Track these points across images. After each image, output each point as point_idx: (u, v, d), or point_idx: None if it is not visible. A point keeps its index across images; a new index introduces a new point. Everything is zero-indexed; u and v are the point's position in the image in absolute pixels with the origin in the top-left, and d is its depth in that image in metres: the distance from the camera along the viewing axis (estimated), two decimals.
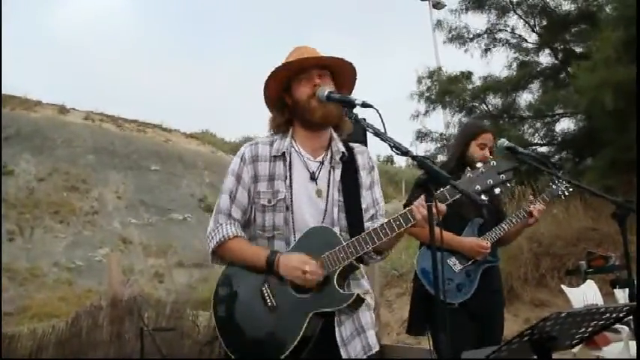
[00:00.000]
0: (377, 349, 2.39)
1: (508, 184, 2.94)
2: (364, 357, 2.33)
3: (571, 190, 3.67)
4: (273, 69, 2.40)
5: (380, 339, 7.17)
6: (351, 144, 2.54)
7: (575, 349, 5.11)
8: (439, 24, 12.75)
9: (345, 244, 2.26)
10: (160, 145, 20.97)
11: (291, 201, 2.35)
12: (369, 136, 2.32)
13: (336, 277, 2.26)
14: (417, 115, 12.24)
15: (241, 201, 2.40)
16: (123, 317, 5.61)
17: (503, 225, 3.53)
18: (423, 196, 2.19)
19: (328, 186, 2.39)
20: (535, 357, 1.97)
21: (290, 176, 2.38)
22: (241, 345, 2.30)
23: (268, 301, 2.28)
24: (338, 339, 2.29)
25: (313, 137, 2.45)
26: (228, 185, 2.44)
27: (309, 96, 2.36)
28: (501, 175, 2.19)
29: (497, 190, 2.19)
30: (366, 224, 2.43)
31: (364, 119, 2.28)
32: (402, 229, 2.24)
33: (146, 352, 4.88)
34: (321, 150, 2.45)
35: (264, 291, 2.30)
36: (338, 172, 2.42)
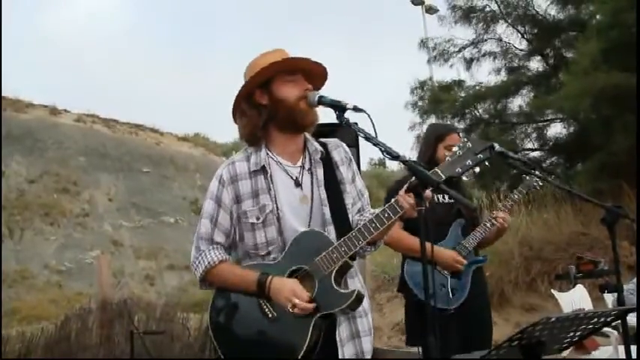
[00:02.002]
0: (369, 357, 2.38)
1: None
2: None
3: (541, 183, 3.64)
4: (256, 68, 2.35)
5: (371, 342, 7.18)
6: (323, 140, 2.51)
7: (565, 354, 5.14)
8: (423, 43, 12.95)
9: (337, 243, 2.25)
10: (151, 147, 20.91)
11: (280, 212, 2.31)
12: (361, 140, 2.33)
13: (333, 277, 2.25)
14: (414, 126, 12.46)
15: (224, 224, 2.36)
16: (113, 320, 5.59)
17: (480, 230, 3.52)
18: (405, 187, 2.20)
19: (312, 190, 2.36)
20: None
21: (274, 187, 2.33)
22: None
23: (269, 313, 2.26)
24: (337, 339, 2.28)
25: (289, 141, 2.41)
26: (208, 210, 2.38)
27: (298, 98, 2.33)
28: (478, 155, 2.22)
29: (477, 169, 2.24)
30: (355, 217, 2.44)
31: (356, 123, 2.28)
32: (391, 221, 2.24)
33: (136, 354, 4.86)
34: (298, 153, 2.42)
35: (262, 304, 2.27)
36: (320, 172, 2.40)
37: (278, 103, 2.35)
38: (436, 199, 3.45)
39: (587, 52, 8.81)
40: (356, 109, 2.21)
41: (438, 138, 3.61)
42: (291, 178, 2.37)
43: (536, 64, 12.61)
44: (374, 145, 2.19)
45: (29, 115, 19.89)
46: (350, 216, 2.42)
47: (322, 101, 2.30)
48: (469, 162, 2.22)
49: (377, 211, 2.37)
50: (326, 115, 2.33)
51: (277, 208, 2.31)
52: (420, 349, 3.58)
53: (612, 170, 8.82)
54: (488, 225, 3.53)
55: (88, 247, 14.34)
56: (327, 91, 2.38)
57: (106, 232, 15.41)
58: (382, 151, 2.18)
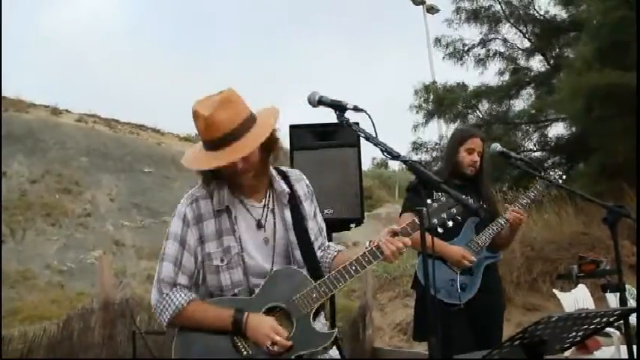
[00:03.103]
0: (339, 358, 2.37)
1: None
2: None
3: (558, 185, 3.66)
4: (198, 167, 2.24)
5: (373, 342, 7.19)
6: (285, 170, 2.44)
7: (567, 353, 5.14)
8: (438, 41, 13.01)
9: (316, 283, 2.23)
10: (153, 147, 20.90)
11: (244, 253, 2.26)
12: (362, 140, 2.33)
13: (311, 317, 2.23)
14: (417, 126, 12.53)
15: (188, 267, 2.27)
16: (115, 320, 5.58)
17: (494, 226, 3.55)
18: (389, 230, 2.26)
19: (274, 231, 2.31)
20: None
21: (238, 228, 2.27)
22: None
23: (244, 351, 2.19)
24: None
25: (255, 183, 2.33)
26: (170, 251, 2.27)
27: (238, 173, 2.22)
28: (451, 209, 2.34)
29: (450, 224, 2.34)
30: (319, 253, 2.41)
31: (356, 124, 2.29)
32: (370, 265, 2.27)
33: (138, 354, 4.87)
34: (262, 191, 2.34)
35: (237, 341, 2.20)
36: (288, 214, 2.33)
37: (222, 173, 2.26)
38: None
39: (582, 52, 8.84)
40: (356, 109, 2.22)
41: (460, 141, 3.70)
42: (254, 218, 2.30)
43: (537, 65, 12.65)
44: (374, 145, 2.20)
45: (31, 116, 19.89)
46: (314, 249, 2.39)
47: (322, 101, 2.29)
48: (444, 215, 2.34)
49: (341, 247, 2.47)
50: (327, 116, 2.31)
51: (242, 249, 2.25)
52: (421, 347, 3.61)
53: (612, 171, 8.83)
54: (501, 222, 3.57)
55: (90, 247, 14.32)
56: (327, 91, 2.34)
57: (107, 232, 15.39)
58: (382, 151, 2.20)
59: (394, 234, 2.26)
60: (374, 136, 2.20)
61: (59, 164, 17.50)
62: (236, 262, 2.25)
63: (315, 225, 2.45)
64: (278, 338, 2.15)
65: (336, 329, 2.32)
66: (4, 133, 16.02)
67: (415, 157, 12.43)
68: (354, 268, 2.23)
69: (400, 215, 3.70)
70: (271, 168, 2.36)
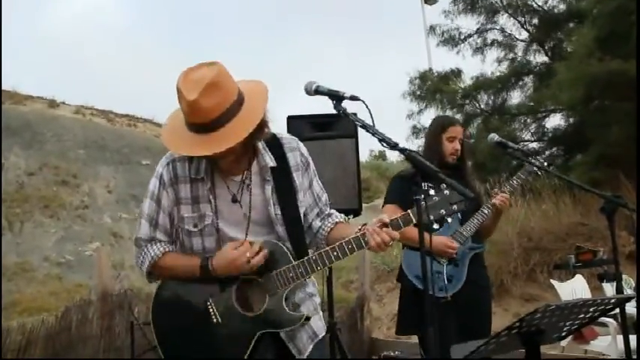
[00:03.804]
0: (322, 334, 2.36)
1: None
2: (311, 345, 2.30)
3: (541, 170, 3.65)
4: (178, 111, 2.16)
5: (371, 332, 7.21)
6: (280, 137, 2.38)
7: (564, 343, 5.17)
8: (432, 29, 12.99)
9: (295, 263, 2.21)
10: (151, 139, 20.86)
11: (218, 223, 2.25)
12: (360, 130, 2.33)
13: (284, 296, 2.22)
14: (412, 115, 12.50)
15: (163, 225, 2.29)
16: (113, 311, 5.60)
17: (478, 216, 3.54)
18: (379, 220, 2.20)
19: (250, 207, 2.27)
20: (523, 350, 1.98)
21: (214, 198, 2.25)
22: None
23: (213, 317, 2.21)
24: (283, 336, 2.26)
25: (232, 164, 2.28)
26: (147, 210, 2.30)
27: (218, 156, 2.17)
28: (453, 206, 2.23)
29: (449, 220, 2.27)
30: (317, 223, 2.40)
31: (354, 114, 2.28)
32: (353, 253, 2.21)
33: (136, 345, 4.88)
34: (244, 165, 2.29)
35: (209, 306, 2.21)
36: (269, 188, 2.29)
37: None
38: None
39: (583, 41, 8.83)
40: (353, 97, 2.21)
41: (441, 130, 3.66)
42: (229, 192, 2.27)
43: (536, 56, 12.64)
44: (372, 134, 2.19)
45: (28, 108, 19.85)
46: (306, 223, 2.38)
47: (319, 90, 2.27)
48: (443, 211, 2.23)
49: (342, 218, 2.42)
50: (325, 105, 2.29)
51: (217, 218, 2.24)
52: (413, 339, 3.62)
53: (610, 161, 8.84)
54: (485, 211, 3.55)
55: (88, 240, 14.33)
56: (324, 82, 2.31)
57: (105, 225, 15.40)
58: (380, 141, 2.19)
59: (384, 225, 2.20)
60: (371, 125, 2.20)
61: (56, 157, 17.48)
62: (210, 230, 2.24)
63: (311, 196, 2.40)
64: (250, 254, 2.14)
65: (305, 313, 2.27)
66: (2, 126, 15.97)
67: (415, 142, 12.45)
68: (335, 253, 2.19)
69: (383, 206, 3.67)
70: (260, 145, 2.28)
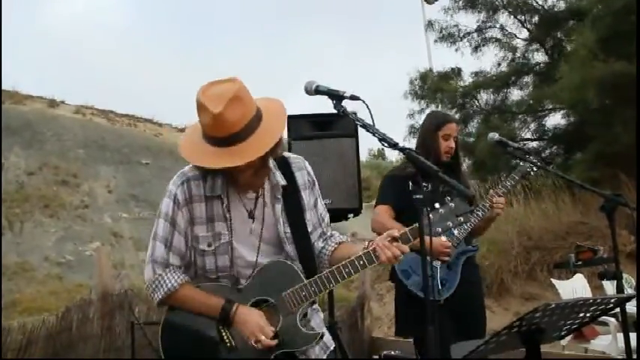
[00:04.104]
0: (333, 345, 2.39)
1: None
2: (324, 357, 2.32)
3: (535, 169, 3.61)
4: (197, 125, 2.17)
5: (371, 332, 7.21)
6: (287, 157, 2.39)
7: (564, 342, 5.18)
8: (430, 25, 12.97)
9: (307, 282, 2.22)
10: (151, 139, 20.89)
11: (233, 242, 2.24)
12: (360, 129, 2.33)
13: (298, 315, 2.23)
14: (412, 114, 12.51)
15: (178, 247, 2.26)
16: (113, 311, 5.59)
17: (471, 218, 3.47)
18: (388, 234, 2.21)
19: (264, 224, 2.28)
20: (524, 349, 1.98)
21: (230, 217, 2.24)
22: None
23: (227, 341, 2.21)
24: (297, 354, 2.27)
25: (249, 179, 2.27)
26: (161, 232, 2.26)
27: (236, 171, 2.18)
28: (459, 218, 2.23)
29: (455, 232, 2.26)
30: (319, 244, 2.40)
31: (354, 113, 2.28)
32: (364, 269, 2.23)
33: (137, 345, 4.88)
34: (259, 182, 2.29)
35: (222, 331, 2.22)
36: (279, 207, 2.29)
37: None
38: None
39: (585, 42, 8.81)
40: (353, 97, 2.21)
41: (436, 127, 3.62)
42: (245, 209, 2.27)
43: (536, 54, 12.64)
44: (372, 133, 2.19)
45: (28, 108, 19.86)
46: (313, 248, 2.38)
47: (319, 90, 2.27)
48: (449, 223, 2.23)
49: (343, 238, 2.42)
50: (325, 105, 2.29)
51: (232, 237, 2.24)
52: (412, 339, 3.61)
53: (610, 160, 8.85)
54: (479, 213, 3.52)
55: (88, 239, 14.32)
56: (324, 81, 2.31)
57: (105, 224, 15.39)
58: (380, 140, 2.19)
59: (394, 240, 2.21)
60: (371, 124, 2.20)
61: (56, 156, 17.48)
62: (224, 249, 2.23)
63: (315, 215, 2.40)
64: (262, 338, 2.15)
65: (322, 330, 2.30)
66: (2, 126, 15.98)
67: (412, 141, 12.47)
68: (347, 270, 2.21)
69: (376, 206, 3.65)
70: (271, 164, 2.29)
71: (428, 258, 3.33)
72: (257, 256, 2.26)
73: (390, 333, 7.52)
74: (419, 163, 2.10)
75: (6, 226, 13.63)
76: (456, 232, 3.46)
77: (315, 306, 2.41)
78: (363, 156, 28.52)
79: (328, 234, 2.45)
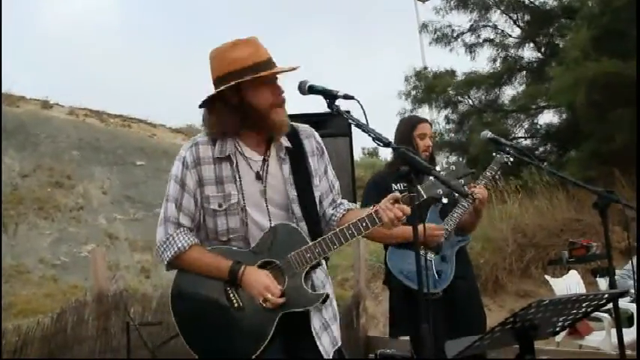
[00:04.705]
0: (340, 343, 2.43)
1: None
2: (332, 350, 2.36)
3: (512, 159, 3.63)
4: (227, 64, 2.26)
5: (367, 330, 7.23)
6: (296, 126, 2.47)
7: (559, 338, 5.20)
8: (424, 26, 13.00)
9: (311, 244, 2.27)
10: (145, 140, 20.83)
11: (244, 203, 2.30)
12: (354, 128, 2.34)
13: (303, 276, 2.27)
14: (404, 113, 12.51)
15: (188, 207, 2.33)
16: (109, 312, 5.59)
17: (458, 209, 3.53)
18: (391, 196, 2.26)
19: (271, 185, 2.35)
20: (517, 345, 1.99)
21: (239, 178, 2.31)
22: (208, 346, 2.27)
23: (234, 301, 2.26)
24: (313, 332, 2.31)
25: (258, 137, 2.37)
26: (172, 192, 2.34)
27: (272, 105, 2.29)
28: (460, 180, 2.30)
29: (456, 195, 2.31)
30: (329, 211, 2.47)
31: (348, 111, 2.30)
32: (367, 231, 2.27)
33: (132, 345, 4.88)
34: (263, 145, 2.38)
35: (229, 291, 2.27)
36: (286, 168, 2.36)
37: (250, 108, 2.29)
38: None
39: (578, 41, 8.84)
40: (346, 96, 2.23)
41: (411, 129, 3.71)
42: (252, 170, 2.34)
43: (528, 52, 12.67)
44: (365, 132, 2.22)
45: (21, 109, 19.78)
46: (321, 210, 2.45)
47: (313, 89, 2.30)
48: (454, 182, 2.27)
49: (352, 206, 2.50)
50: (319, 104, 2.32)
51: (244, 199, 2.29)
52: (409, 338, 3.62)
53: (604, 157, 8.89)
54: (465, 204, 3.55)
55: (83, 241, 14.28)
56: (317, 81, 2.34)
57: (100, 226, 15.36)
58: (373, 139, 2.21)
59: (395, 201, 2.26)
60: (365, 123, 2.21)
61: (51, 158, 17.43)
62: (235, 209, 2.30)
63: (326, 182, 2.50)
64: (270, 296, 2.20)
65: (327, 290, 2.35)
66: None
67: None
68: (350, 232, 2.25)
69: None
70: None
71: (422, 251, 3.40)
72: (266, 218, 2.32)
73: (386, 331, 7.53)
74: (411, 160, 2.12)
75: (0, 229, 13.59)
76: (446, 226, 3.50)
77: (323, 266, 2.44)
78: (357, 155, 28.58)
79: (338, 202, 2.53)
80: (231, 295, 2.27)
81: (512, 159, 3.60)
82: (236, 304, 2.26)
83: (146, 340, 4.98)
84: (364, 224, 2.25)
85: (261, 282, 2.22)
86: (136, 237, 14.93)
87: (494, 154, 3.63)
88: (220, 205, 2.29)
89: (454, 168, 2.31)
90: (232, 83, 2.23)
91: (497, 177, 3.87)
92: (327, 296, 2.32)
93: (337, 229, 2.27)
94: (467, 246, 3.77)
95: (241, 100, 2.28)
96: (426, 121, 3.85)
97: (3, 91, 20.09)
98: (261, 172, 2.34)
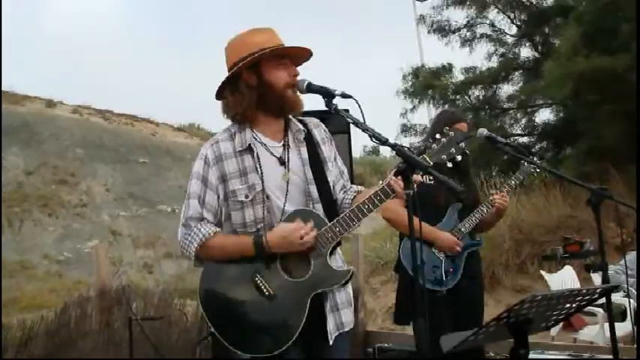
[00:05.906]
0: (349, 327, 2.45)
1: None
2: (336, 334, 2.39)
3: (538, 170, 3.69)
4: (245, 47, 2.37)
5: (365, 325, 7.29)
6: (303, 119, 2.55)
7: (553, 332, 5.27)
8: (422, 18, 13.02)
9: (331, 224, 2.32)
10: (148, 138, 20.89)
11: (268, 191, 2.35)
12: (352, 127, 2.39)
13: (328, 255, 2.33)
14: (405, 113, 12.56)
15: (211, 204, 2.37)
16: (112, 307, 5.63)
17: (476, 214, 3.59)
18: (394, 171, 2.28)
19: (294, 168, 2.42)
20: (512, 340, 2.04)
21: (260, 167, 2.36)
22: (245, 338, 2.29)
23: (265, 290, 2.28)
24: (326, 309, 2.37)
25: (273, 122, 2.45)
26: (194, 189, 2.38)
27: (287, 84, 2.38)
28: (460, 144, 2.34)
29: (459, 158, 2.34)
30: (340, 195, 2.54)
31: (346, 110, 2.34)
32: (382, 203, 2.32)
33: (134, 340, 4.93)
34: (280, 133, 2.46)
35: (258, 281, 2.29)
36: (304, 151, 2.45)
37: (267, 86, 2.37)
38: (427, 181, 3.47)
39: (569, 37, 8.89)
40: (344, 95, 2.27)
41: (449, 124, 3.69)
42: (275, 156, 2.41)
43: (525, 51, 12.70)
44: (363, 130, 2.26)
45: (25, 108, 19.84)
46: (334, 194, 2.51)
47: (311, 88, 2.35)
48: (453, 150, 2.33)
49: (361, 188, 2.55)
50: (317, 102, 2.36)
51: (264, 186, 2.35)
52: (411, 327, 3.67)
53: (599, 154, 8.92)
54: (484, 209, 3.60)
55: (87, 237, 14.36)
56: (314, 80, 2.39)
57: (104, 222, 15.44)
58: (371, 137, 2.25)
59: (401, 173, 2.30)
60: (362, 121, 2.25)
61: (55, 156, 17.50)
62: (260, 198, 2.34)
63: (336, 168, 2.57)
64: (303, 232, 2.25)
65: (352, 267, 2.40)
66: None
67: (404, 140, 12.52)
68: (366, 207, 2.30)
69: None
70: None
71: (434, 250, 3.46)
72: (285, 199, 2.37)
73: (385, 326, 7.60)
74: (408, 158, 2.15)
75: (6, 225, 13.68)
76: (462, 228, 3.56)
77: (336, 256, 2.48)
78: (358, 152, 28.62)
79: (348, 186, 2.60)
80: (260, 284, 2.29)
81: (538, 170, 3.67)
82: (266, 292, 2.28)
83: (148, 334, 5.04)
84: (378, 198, 2.30)
85: (288, 229, 2.26)
86: (139, 233, 15.01)
87: (522, 162, 3.68)
88: (247, 196, 2.34)
89: (453, 134, 2.34)
90: (256, 55, 2.33)
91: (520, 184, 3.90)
92: (353, 273, 2.37)
93: (354, 206, 2.32)
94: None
95: (260, 78, 2.37)
96: (465, 120, 3.80)
97: (7, 90, 20.18)
98: (283, 157, 2.40)
